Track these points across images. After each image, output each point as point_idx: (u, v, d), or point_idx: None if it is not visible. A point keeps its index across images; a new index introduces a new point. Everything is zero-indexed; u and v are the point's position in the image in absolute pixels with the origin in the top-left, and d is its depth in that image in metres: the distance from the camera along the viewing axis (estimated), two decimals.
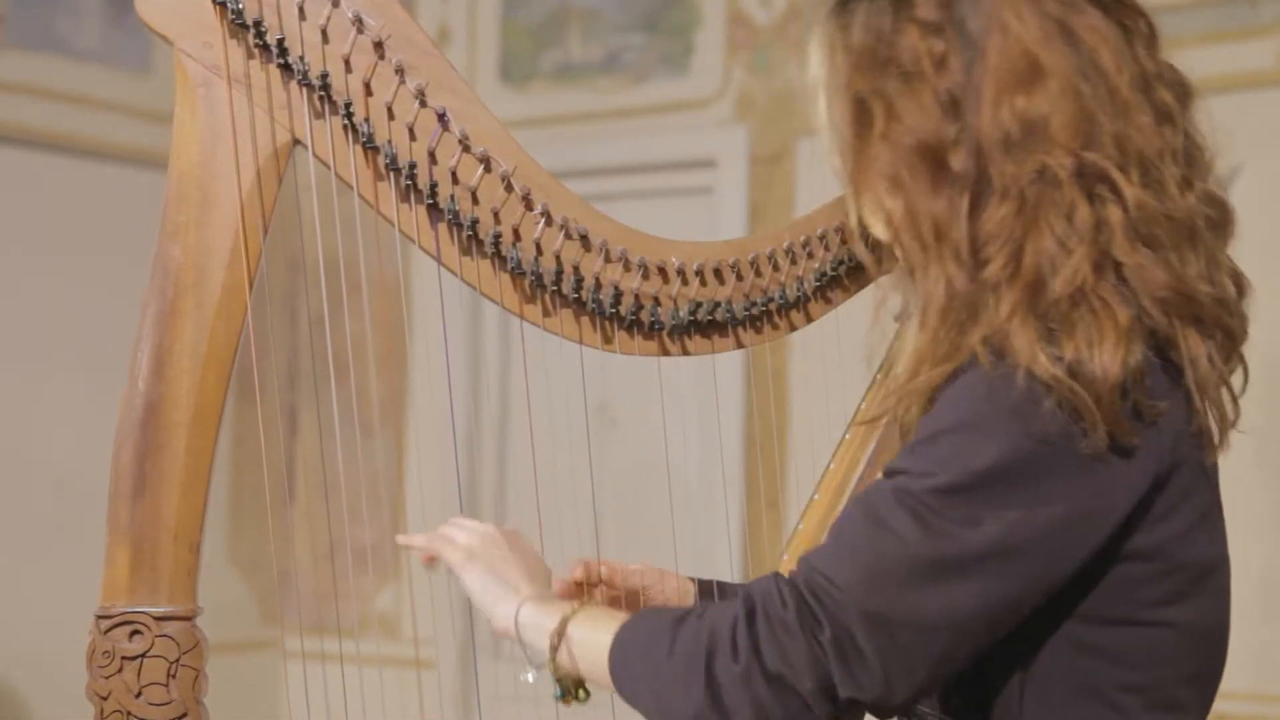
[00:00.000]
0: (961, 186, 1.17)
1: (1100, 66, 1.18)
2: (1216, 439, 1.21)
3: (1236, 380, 1.26)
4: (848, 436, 1.63)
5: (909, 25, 1.19)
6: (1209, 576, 1.22)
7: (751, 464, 3.92)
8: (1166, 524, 1.17)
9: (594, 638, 1.26)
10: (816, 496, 1.63)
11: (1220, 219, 1.23)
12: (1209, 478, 1.22)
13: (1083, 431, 1.11)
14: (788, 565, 1.59)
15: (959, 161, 1.18)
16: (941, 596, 1.13)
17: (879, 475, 1.21)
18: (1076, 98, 1.16)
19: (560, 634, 1.28)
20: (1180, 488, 1.17)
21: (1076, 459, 1.12)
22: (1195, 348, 1.18)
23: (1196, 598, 1.21)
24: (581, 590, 1.58)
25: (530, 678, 1.32)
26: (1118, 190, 1.15)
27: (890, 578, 1.13)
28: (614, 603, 1.63)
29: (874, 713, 1.22)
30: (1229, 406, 1.23)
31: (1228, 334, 1.22)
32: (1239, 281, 1.24)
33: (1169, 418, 1.15)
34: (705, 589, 1.60)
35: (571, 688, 1.30)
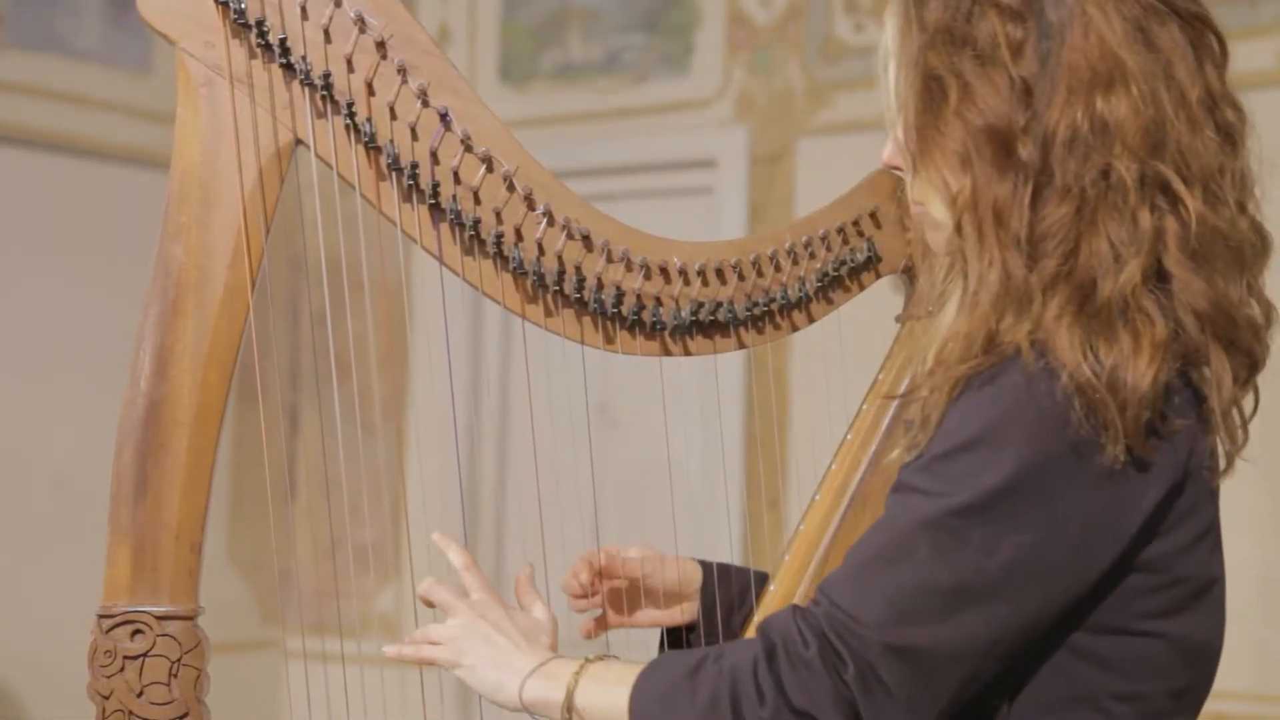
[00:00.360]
0: (1026, 175, 1.17)
1: (1175, 78, 1.17)
2: (1224, 462, 1.21)
3: (1247, 404, 1.26)
4: (849, 437, 1.63)
5: (989, 8, 1.19)
6: (1205, 592, 1.22)
7: (752, 463, 3.92)
8: (1170, 537, 1.17)
9: (605, 701, 1.25)
10: (818, 497, 1.63)
11: (1263, 248, 1.22)
12: (1214, 496, 1.22)
13: (1103, 444, 1.11)
14: (788, 565, 1.60)
15: (1026, 151, 1.17)
16: (963, 626, 1.13)
17: (877, 477, 1.21)
18: (1154, 105, 1.15)
19: (569, 708, 1.27)
20: (1187, 503, 1.17)
21: (1093, 472, 1.12)
22: (1222, 368, 1.17)
23: (1191, 613, 1.21)
24: (594, 586, 1.58)
25: None
26: (1179, 202, 1.15)
27: (912, 610, 1.13)
28: (614, 594, 1.62)
29: None
30: (1239, 430, 1.22)
31: (1251, 360, 1.21)
32: (1269, 312, 1.24)
33: (1185, 435, 1.15)
34: (709, 571, 1.61)
35: None
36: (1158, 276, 1.16)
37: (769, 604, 1.56)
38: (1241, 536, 3.45)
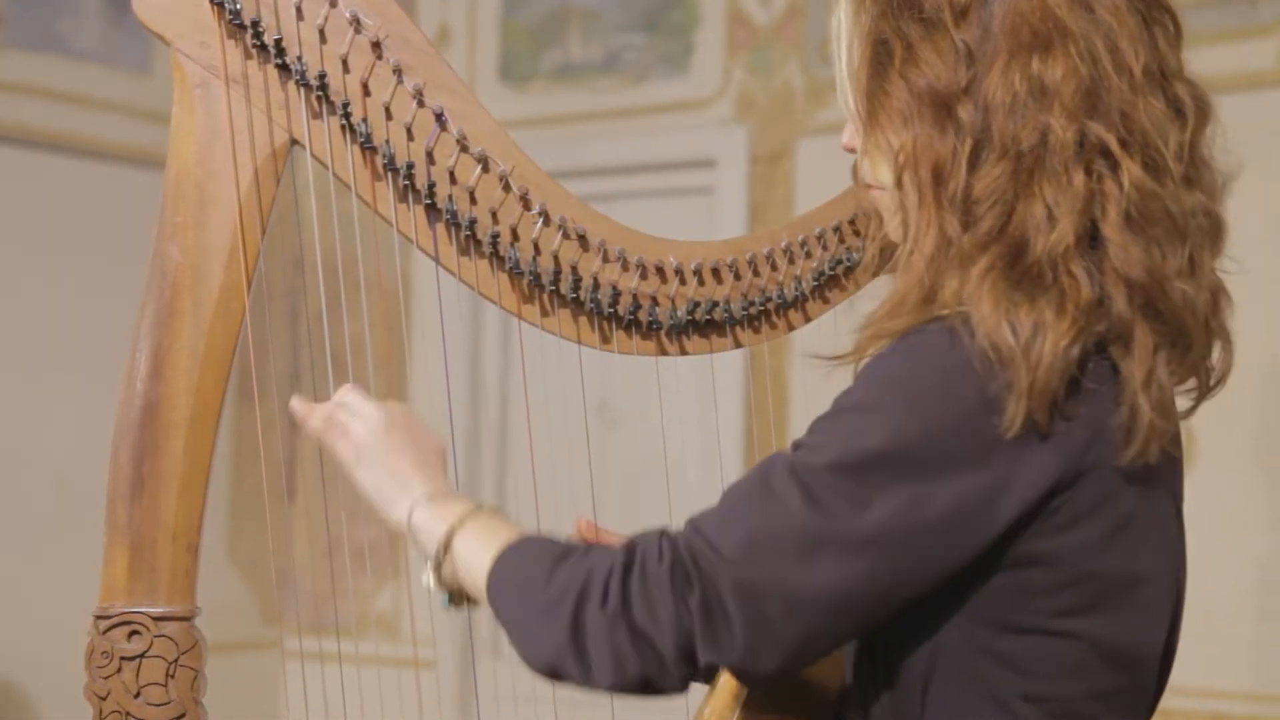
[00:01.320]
0: (965, 137, 1.17)
1: (1118, 43, 1.17)
2: (1139, 443, 1.16)
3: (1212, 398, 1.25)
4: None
5: None
6: (1128, 591, 1.19)
7: (751, 463, 3.92)
8: (1073, 531, 1.15)
9: (476, 558, 1.24)
10: None
11: (1213, 230, 1.21)
12: (1135, 487, 1.18)
13: (1003, 407, 1.11)
14: None
15: (966, 112, 1.17)
16: (818, 575, 1.12)
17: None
18: (1091, 65, 1.16)
19: (445, 546, 1.26)
20: (1091, 494, 1.15)
21: (984, 442, 1.11)
22: (1146, 342, 1.16)
23: (1111, 612, 1.18)
24: None
25: (427, 581, 1.29)
26: (1117, 166, 1.15)
27: (769, 549, 1.12)
28: None
29: (737, 679, 1.20)
30: (1166, 417, 1.18)
31: (1185, 340, 1.19)
32: (1217, 295, 1.23)
33: (1088, 418, 1.14)
34: None
35: (458, 597, 1.28)
36: (1093, 242, 1.15)
37: None
38: (1241, 537, 3.45)
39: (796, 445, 1.17)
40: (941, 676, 1.18)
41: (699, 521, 1.17)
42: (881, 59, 1.21)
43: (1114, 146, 1.15)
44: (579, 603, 1.16)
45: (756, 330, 1.52)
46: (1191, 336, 1.19)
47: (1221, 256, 1.24)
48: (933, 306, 1.17)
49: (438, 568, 1.27)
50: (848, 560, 1.12)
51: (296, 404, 1.41)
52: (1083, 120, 1.15)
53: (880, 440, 1.12)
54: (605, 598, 1.15)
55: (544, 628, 1.17)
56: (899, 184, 1.21)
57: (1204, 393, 1.26)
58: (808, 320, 1.55)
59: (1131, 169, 1.15)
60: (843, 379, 1.61)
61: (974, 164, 1.18)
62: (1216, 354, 1.25)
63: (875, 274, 1.38)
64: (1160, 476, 1.22)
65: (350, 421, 1.37)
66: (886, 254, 1.32)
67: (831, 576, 1.12)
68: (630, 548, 1.18)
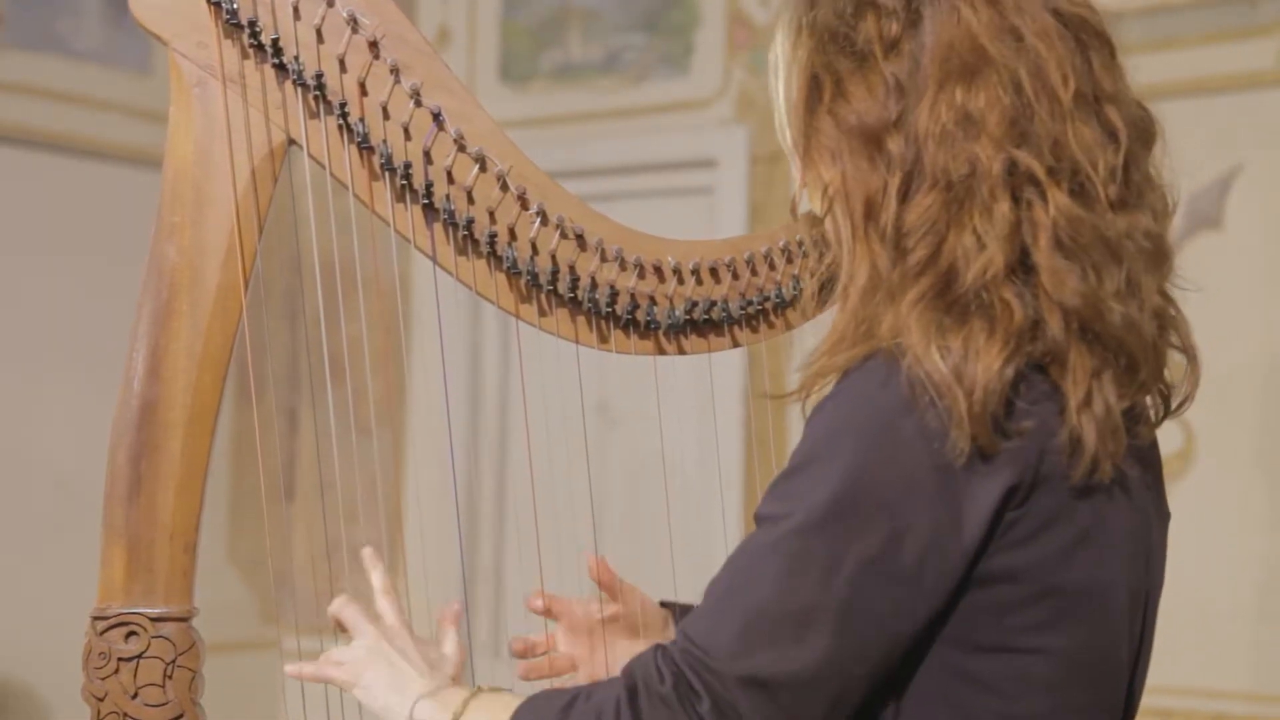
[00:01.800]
0: (895, 170, 1.18)
1: (1044, 70, 1.18)
2: (1086, 461, 1.15)
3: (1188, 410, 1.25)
4: None
5: (868, 9, 1.21)
6: (1093, 601, 1.19)
7: (750, 463, 3.91)
8: (1034, 545, 1.15)
9: None
10: None
11: (1154, 252, 1.21)
12: (1093, 499, 1.17)
13: (948, 433, 1.10)
14: None
15: (896, 146, 1.18)
16: (816, 649, 1.12)
17: None
18: (1015, 94, 1.17)
19: None
20: (1048, 507, 1.15)
21: (933, 470, 1.11)
22: (1081, 363, 1.16)
23: (1078, 626, 1.18)
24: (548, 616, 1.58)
25: None
26: (1044, 193, 1.15)
27: (763, 637, 1.13)
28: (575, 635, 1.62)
29: None
30: (1114, 437, 1.17)
31: (1131, 361, 1.19)
32: (1163, 319, 1.22)
33: (1035, 433, 1.13)
34: (673, 614, 1.60)
35: None
36: (1026, 269, 1.15)
37: None
38: (1241, 537, 3.45)
39: (760, 518, 1.17)
40: (912, 701, 1.18)
41: (689, 630, 1.17)
42: (813, 95, 1.23)
43: (1040, 174, 1.15)
44: None
45: (755, 330, 1.52)
46: (1137, 357, 1.19)
47: (1168, 276, 1.23)
48: (872, 340, 1.17)
49: None
50: (841, 624, 1.12)
51: (290, 668, 1.43)
52: (1009, 149, 1.16)
53: (834, 491, 1.12)
54: None
55: None
56: (832, 218, 1.22)
57: (1166, 412, 1.26)
58: (805, 319, 1.55)
59: (1058, 196, 1.15)
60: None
61: (905, 196, 1.18)
62: (1182, 372, 1.25)
63: (819, 309, 1.38)
64: (1127, 489, 1.21)
65: (340, 652, 1.39)
66: (828, 288, 1.33)
67: (830, 646, 1.12)
68: (629, 674, 1.18)
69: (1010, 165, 1.15)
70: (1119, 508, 1.20)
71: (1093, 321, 1.16)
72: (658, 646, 1.19)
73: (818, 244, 1.32)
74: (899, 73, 1.19)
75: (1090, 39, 1.21)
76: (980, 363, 1.11)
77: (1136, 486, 1.23)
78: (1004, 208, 1.15)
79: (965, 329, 1.13)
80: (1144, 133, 1.22)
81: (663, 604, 1.63)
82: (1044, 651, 1.17)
